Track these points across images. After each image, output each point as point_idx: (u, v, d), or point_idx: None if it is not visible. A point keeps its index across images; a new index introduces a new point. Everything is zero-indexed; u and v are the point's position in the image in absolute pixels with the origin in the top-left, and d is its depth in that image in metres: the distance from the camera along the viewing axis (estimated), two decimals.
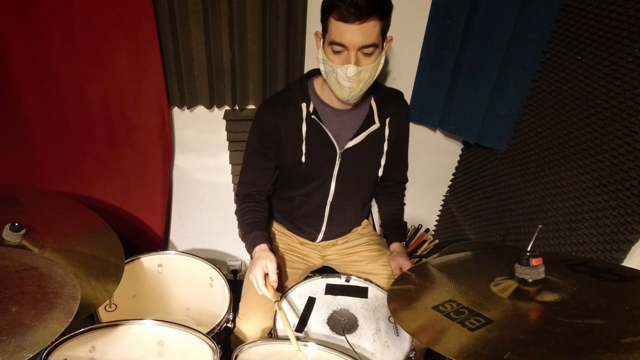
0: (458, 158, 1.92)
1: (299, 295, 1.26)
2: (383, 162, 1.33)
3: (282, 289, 1.28)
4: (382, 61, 1.11)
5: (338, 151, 1.26)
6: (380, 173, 1.35)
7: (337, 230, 1.46)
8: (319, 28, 1.14)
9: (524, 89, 1.47)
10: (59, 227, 1.20)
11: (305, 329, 1.16)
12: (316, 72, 1.27)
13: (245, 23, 1.47)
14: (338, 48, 1.05)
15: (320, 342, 1.04)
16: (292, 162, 1.28)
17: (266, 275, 1.16)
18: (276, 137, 1.26)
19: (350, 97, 1.14)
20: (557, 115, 1.33)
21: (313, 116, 1.23)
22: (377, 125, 1.27)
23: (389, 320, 1.19)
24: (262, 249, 1.22)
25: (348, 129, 1.27)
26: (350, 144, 1.26)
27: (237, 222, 1.34)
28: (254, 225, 1.28)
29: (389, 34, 1.11)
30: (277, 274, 1.17)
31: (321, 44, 1.11)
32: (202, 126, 1.73)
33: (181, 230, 2.01)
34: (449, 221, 2.00)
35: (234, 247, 2.10)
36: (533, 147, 1.44)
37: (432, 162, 1.92)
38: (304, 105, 1.23)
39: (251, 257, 1.25)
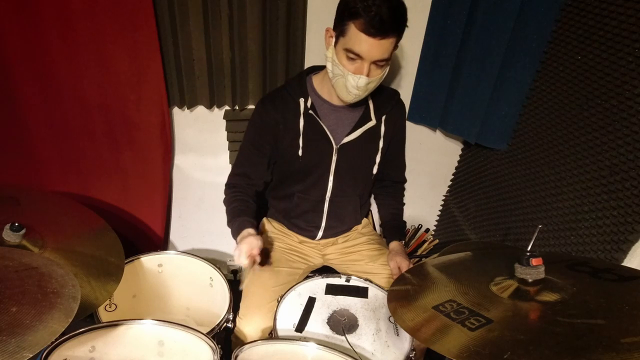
0: (458, 158, 1.92)
1: (299, 295, 1.26)
2: (379, 159, 1.34)
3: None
4: (387, 70, 1.14)
5: (334, 146, 1.28)
6: (375, 170, 1.36)
7: (337, 227, 1.46)
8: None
9: (524, 89, 1.47)
10: (59, 227, 1.20)
11: (306, 328, 1.16)
12: (315, 69, 1.29)
13: (245, 23, 1.47)
14: (353, 56, 1.07)
15: (320, 342, 1.04)
16: (290, 156, 1.29)
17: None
18: (274, 131, 1.28)
19: (353, 101, 1.18)
20: (557, 115, 1.33)
21: (310, 111, 1.24)
22: (373, 122, 1.29)
23: (389, 320, 1.19)
24: (249, 232, 1.23)
25: (344, 124, 1.28)
26: (346, 140, 1.28)
27: (225, 209, 1.35)
28: (241, 212, 1.29)
29: None
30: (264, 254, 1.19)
31: (332, 43, 1.12)
32: (202, 126, 1.73)
33: (181, 230, 2.01)
34: (449, 221, 2.00)
35: (234, 247, 2.09)
36: (533, 147, 1.44)
37: (432, 162, 1.92)
38: (301, 100, 1.25)
39: (236, 242, 1.25)
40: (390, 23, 1.01)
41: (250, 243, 1.18)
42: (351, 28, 1.04)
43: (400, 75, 1.70)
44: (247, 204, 1.32)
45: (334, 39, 1.11)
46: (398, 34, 1.06)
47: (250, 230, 1.24)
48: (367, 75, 1.08)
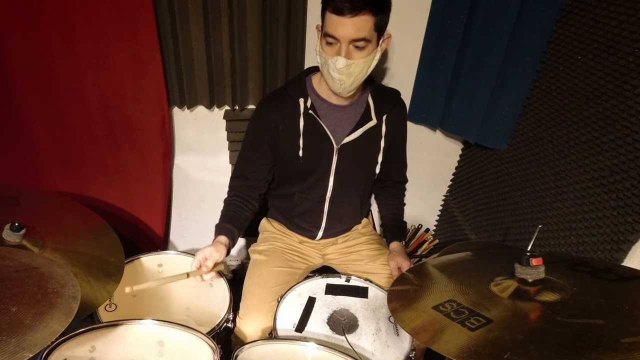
0: (458, 158, 1.92)
1: (299, 295, 1.26)
2: (380, 159, 1.34)
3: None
4: (377, 57, 1.13)
5: (335, 146, 1.28)
6: (377, 170, 1.36)
7: (337, 227, 1.46)
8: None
9: (524, 89, 1.47)
10: (59, 227, 1.20)
11: (306, 328, 1.16)
12: (315, 69, 1.29)
13: (245, 23, 1.47)
14: (331, 40, 1.08)
15: (320, 342, 1.04)
16: (290, 157, 1.29)
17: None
18: (274, 132, 1.28)
19: (341, 90, 1.16)
20: (557, 115, 1.33)
21: (310, 111, 1.24)
22: (374, 122, 1.28)
23: (389, 320, 1.19)
24: (219, 240, 1.25)
25: (345, 124, 1.28)
26: (347, 140, 1.27)
27: None
28: (229, 219, 1.31)
29: (388, 32, 1.12)
30: (219, 263, 1.21)
31: (319, 36, 1.13)
32: (202, 126, 1.73)
33: (181, 230, 2.01)
34: (449, 221, 2.00)
35: (234, 247, 2.09)
36: (533, 147, 1.44)
37: (432, 162, 1.92)
38: (301, 100, 1.25)
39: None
40: (359, 0, 1.01)
41: (208, 253, 1.19)
42: (327, 14, 1.06)
43: (400, 75, 1.70)
44: (239, 210, 1.32)
45: (320, 33, 1.13)
46: (373, 12, 1.04)
47: (221, 239, 1.25)
48: (347, 57, 1.07)
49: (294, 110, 1.25)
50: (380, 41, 1.11)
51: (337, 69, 1.09)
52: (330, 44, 1.08)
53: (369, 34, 1.06)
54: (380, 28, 1.08)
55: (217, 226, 1.30)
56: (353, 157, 1.31)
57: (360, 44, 1.07)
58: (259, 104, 1.31)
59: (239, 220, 1.31)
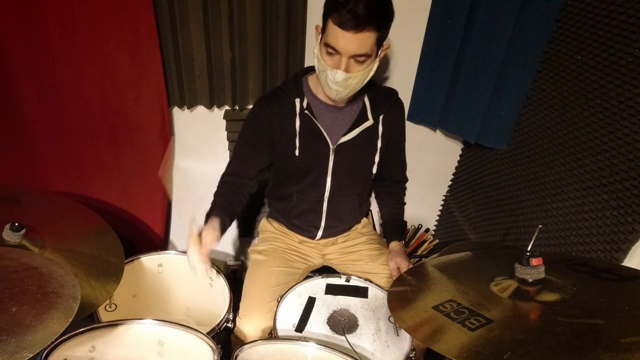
0: (458, 158, 1.92)
1: (299, 295, 1.26)
2: (377, 159, 1.34)
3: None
4: (374, 68, 1.13)
5: (331, 146, 1.28)
6: (374, 170, 1.36)
7: (336, 227, 1.46)
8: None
9: (524, 89, 1.47)
10: (59, 227, 1.20)
11: (306, 328, 1.16)
12: (312, 69, 1.29)
13: (245, 23, 1.47)
14: (331, 51, 1.07)
15: (320, 342, 1.04)
16: (287, 157, 1.29)
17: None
18: (270, 132, 1.28)
19: (337, 98, 1.17)
20: (557, 115, 1.33)
21: (306, 111, 1.24)
22: (370, 122, 1.28)
23: (389, 320, 1.19)
24: (212, 223, 1.17)
25: (341, 124, 1.28)
26: (343, 140, 1.28)
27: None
28: (219, 207, 1.26)
29: (386, 42, 1.12)
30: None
31: (319, 40, 1.12)
32: (202, 126, 1.73)
33: (181, 230, 2.01)
34: (449, 221, 2.00)
35: (234, 247, 2.10)
36: (533, 147, 1.44)
37: (432, 162, 1.92)
38: (297, 100, 1.25)
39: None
40: (365, 17, 0.99)
41: (208, 236, 1.14)
42: (329, 23, 1.04)
43: (400, 75, 1.70)
44: (229, 199, 1.29)
45: (320, 36, 1.12)
46: (377, 28, 1.03)
47: (214, 222, 1.18)
48: (346, 71, 1.07)
49: (290, 110, 1.25)
50: (380, 51, 1.11)
51: (335, 81, 1.09)
52: (330, 54, 1.08)
53: (371, 49, 1.06)
54: (381, 41, 1.08)
55: (207, 215, 1.26)
56: (350, 157, 1.31)
57: (361, 58, 1.07)
58: (256, 103, 1.31)
59: (228, 209, 1.27)
